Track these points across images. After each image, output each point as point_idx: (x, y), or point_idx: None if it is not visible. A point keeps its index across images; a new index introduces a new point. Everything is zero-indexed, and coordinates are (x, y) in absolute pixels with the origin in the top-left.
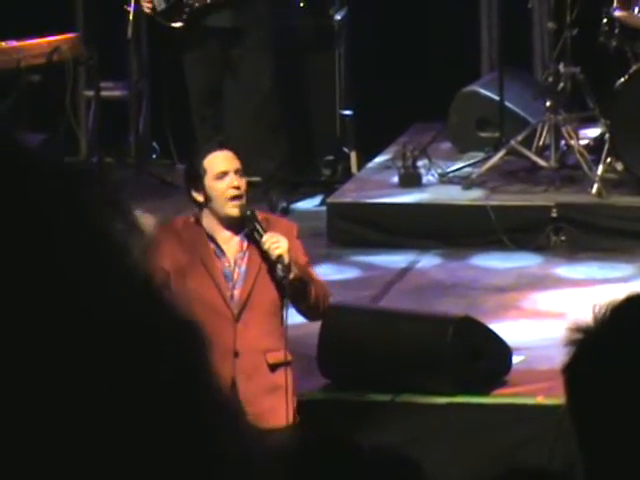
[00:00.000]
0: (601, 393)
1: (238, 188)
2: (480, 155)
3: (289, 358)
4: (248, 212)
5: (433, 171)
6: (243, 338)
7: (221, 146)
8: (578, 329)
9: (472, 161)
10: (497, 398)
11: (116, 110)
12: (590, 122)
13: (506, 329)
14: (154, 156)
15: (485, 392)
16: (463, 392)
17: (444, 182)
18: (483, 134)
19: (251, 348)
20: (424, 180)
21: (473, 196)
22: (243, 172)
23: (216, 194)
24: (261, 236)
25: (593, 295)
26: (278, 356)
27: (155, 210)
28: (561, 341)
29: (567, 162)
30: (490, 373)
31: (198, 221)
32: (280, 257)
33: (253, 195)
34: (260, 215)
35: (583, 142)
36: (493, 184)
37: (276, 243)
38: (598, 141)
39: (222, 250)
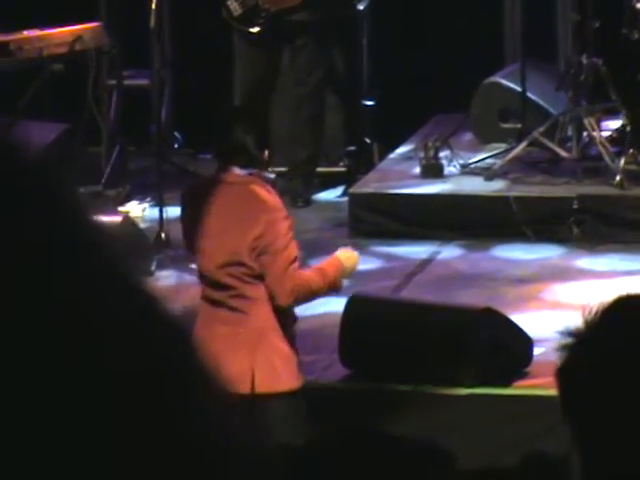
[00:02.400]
0: (593, 395)
1: None
2: (502, 146)
3: None
4: None
5: (455, 162)
6: None
7: None
8: (569, 333)
9: (494, 152)
10: (518, 389)
11: (138, 99)
12: (612, 114)
13: (527, 320)
14: (176, 145)
15: (506, 383)
16: (484, 383)
17: (466, 173)
18: (505, 125)
19: None
20: (446, 171)
21: (495, 187)
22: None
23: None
24: None
25: (614, 287)
26: None
27: (177, 200)
28: None
29: (589, 153)
30: (511, 364)
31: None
32: None
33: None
34: None
35: (605, 134)
36: (515, 175)
37: None
38: (620, 133)
39: None
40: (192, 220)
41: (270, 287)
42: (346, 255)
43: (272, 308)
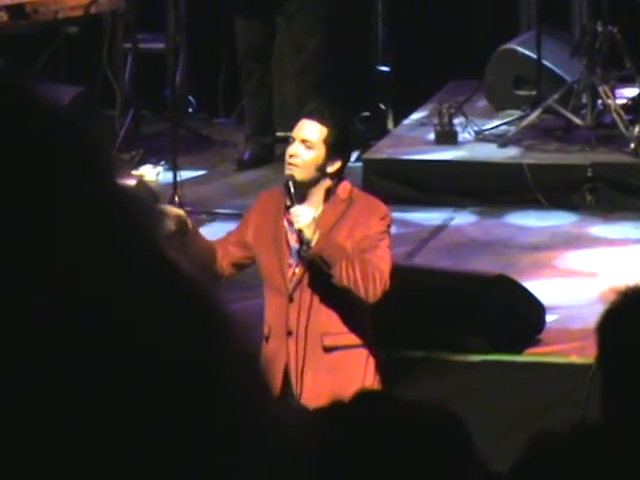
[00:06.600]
0: (625, 349)
1: (291, 156)
2: (516, 113)
3: (355, 342)
4: (288, 181)
5: (469, 129)
6: (297, 318)
7: (308, 114)
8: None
9: (508, 119)
10: (530, 357)
11: (153, 63)
12: (627, 81)
13: (540, 288)
14: (190, 110)
15: (518, 350)
16: (496, 350)
17: (480, 140)
18: (520, 92)
19: (306, 329)
20: (460, 137)
21: (509, 154)
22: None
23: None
24: (290, 207)
25: (627, 255)
26: (337, 339)
27: (191, 164)
28: (594, 300)
29: (603, 121)
30: (524, 332)
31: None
32: (300, 231)
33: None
34: (350, 192)
35: (620, 101)
36: (529, 142)
37: (297, 217)
38: (635, 100)
39: None
40: None
41: None
42: None
43: None
